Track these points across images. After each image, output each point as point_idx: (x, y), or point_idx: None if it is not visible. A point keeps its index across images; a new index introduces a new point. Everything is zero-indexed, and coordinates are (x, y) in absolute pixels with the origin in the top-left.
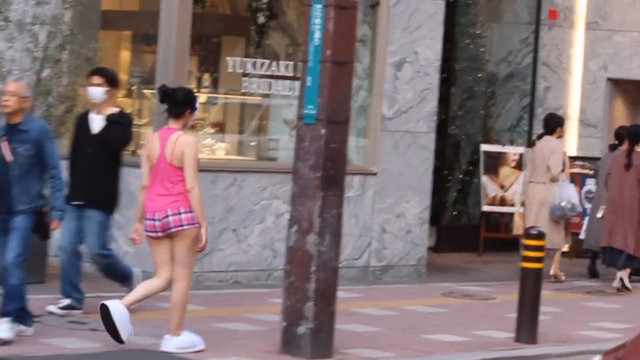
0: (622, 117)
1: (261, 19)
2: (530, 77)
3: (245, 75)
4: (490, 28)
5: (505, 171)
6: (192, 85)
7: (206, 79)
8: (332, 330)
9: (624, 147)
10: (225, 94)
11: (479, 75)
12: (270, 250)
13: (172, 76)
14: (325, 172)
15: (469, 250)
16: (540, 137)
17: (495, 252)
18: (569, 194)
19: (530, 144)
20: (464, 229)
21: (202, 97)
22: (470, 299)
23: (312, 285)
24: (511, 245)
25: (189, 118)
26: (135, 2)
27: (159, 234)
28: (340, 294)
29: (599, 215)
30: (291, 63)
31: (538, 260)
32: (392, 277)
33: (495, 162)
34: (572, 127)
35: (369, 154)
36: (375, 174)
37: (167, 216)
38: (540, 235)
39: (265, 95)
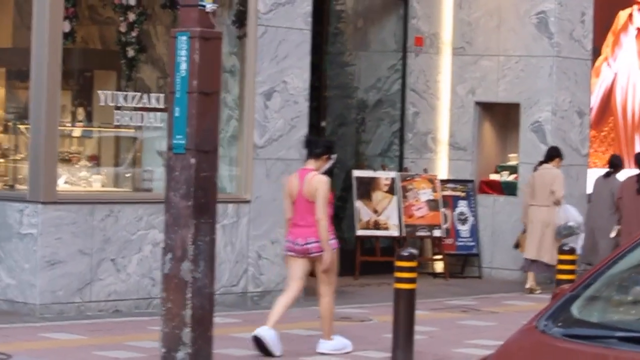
0: (491, 139)
1: (131, 53)
2: (399, 103)
3: (117, 108)
4: (359, 56)
5: (378, 196)
6: (67, 120)
7: (80, 113)
8: (210, 355)
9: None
10: (99, 127)
11: (349, 102)
12: (149, 278)
13: (45, 111)
14: (197, 200)
15: (345, 274)
16: (540, 164)
17: (371, 275)
18: (573, 215)
19: (533, 169)
20: (340, 253)
21: (76, 131)
22: (347, 321)
23: (188, 311)
24: (387, 268)
25: (325, 163)
26: (8, 40)
27: (296, 255)
28: (219, 319)
29: (613, 234)
30: (162, 95)
31: (411, 281)
32: (270, 302)
33: (367, 187)
34: (442, 151)
35: (242, 182)
36: (248, 201)
37: (307, 243)
38: (412, 257)
39: (138, 128)
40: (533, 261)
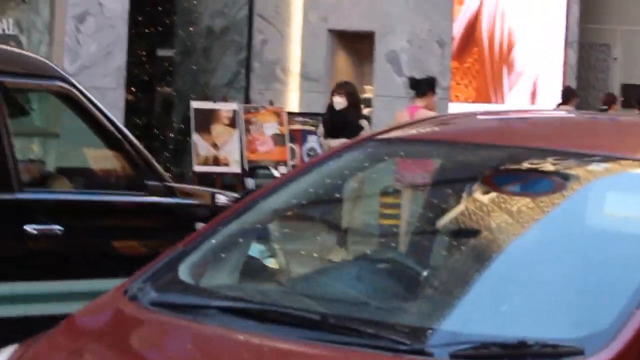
0: (345, 70)
1: None
2: (246, 31)
3: None
4: None
5: (217, 129)
6: None
7: None
8: None
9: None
10: None
11: (192, 29)
12: None
13: None
14: None
15: None
16: (558, 106)
17: None
18: None
19: None
20: None
21: None
22: None
23: None
24: None
25: (432, 98)
26: None
27: None
28: None
29: None
30: None
31: None
32: None
33: (207, 120)
34: (293, 82)
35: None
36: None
37: None
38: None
39: None
40: None
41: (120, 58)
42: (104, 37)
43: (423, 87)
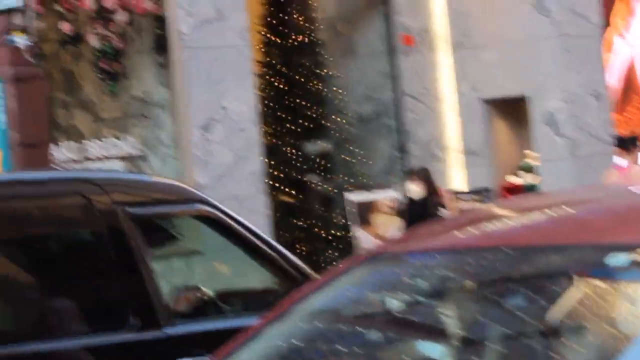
0: (505, 138)
1: None
2: (396, 112)
3: None
4: (343, 65)
5: (379, 219)
6: None
7: None
8: None
9: None
10: None
11: (338, 118)
12: None
13: None
14: None
15: None
16: None
17: None
18: None
19: None
20: None
21: None
22: None
23: None
24: None
25: (636, 154)
26: None
27: None
28: None
29: None
30: None
31: None
32: None
33: (366, 211)
34: (453, 159)
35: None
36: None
37: None
38: None
39: None
40: None
41: (254, 162)
42: (234, 142)
43: (628, 143)
